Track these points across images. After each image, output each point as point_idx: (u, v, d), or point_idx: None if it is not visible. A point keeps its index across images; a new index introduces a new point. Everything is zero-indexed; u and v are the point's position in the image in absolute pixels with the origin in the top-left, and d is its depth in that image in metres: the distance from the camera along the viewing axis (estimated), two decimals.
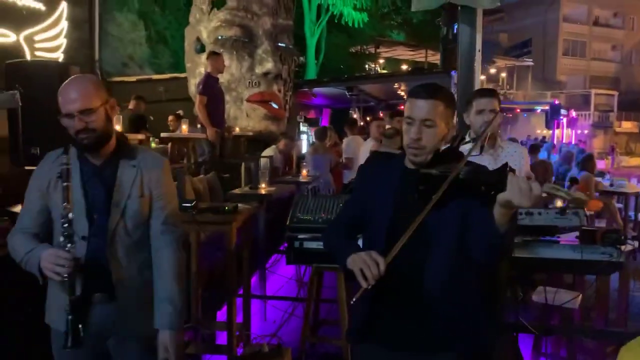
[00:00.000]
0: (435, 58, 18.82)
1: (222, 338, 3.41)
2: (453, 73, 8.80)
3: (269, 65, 8.28)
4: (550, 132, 24.30)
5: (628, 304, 3.51)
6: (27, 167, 2.46)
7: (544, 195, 1.26)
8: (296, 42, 10.78)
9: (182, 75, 9.27)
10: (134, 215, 1.78)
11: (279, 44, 8.72)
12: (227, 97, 7.05)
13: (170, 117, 8.10)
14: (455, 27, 3.80)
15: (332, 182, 6.70)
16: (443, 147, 1.68)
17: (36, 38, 7.95)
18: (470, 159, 1.53)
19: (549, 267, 2.58)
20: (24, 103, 3.22)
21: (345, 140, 7.35)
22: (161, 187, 1.85)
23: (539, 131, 28.52)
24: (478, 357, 1.65)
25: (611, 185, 8.19)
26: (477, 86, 3.72)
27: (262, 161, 5.72)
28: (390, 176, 1.69)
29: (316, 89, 12.76)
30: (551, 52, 36.31)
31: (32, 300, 1.87)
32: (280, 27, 8.76)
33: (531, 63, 34.30)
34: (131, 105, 6.98)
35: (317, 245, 2.86)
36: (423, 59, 22.03)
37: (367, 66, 22.93)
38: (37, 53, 7.89)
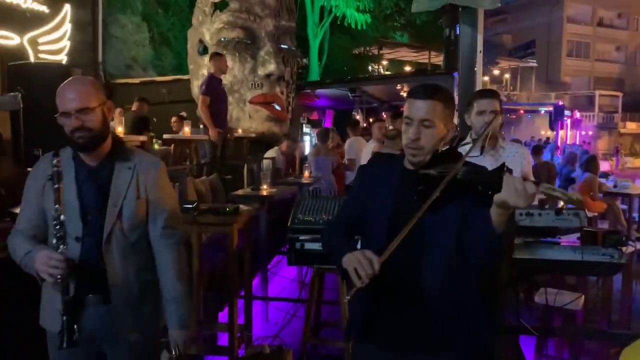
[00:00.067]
0: (438, 59, 18.81)
1: (223, 339, 3.41)
2: (455, 74, 8.79)
3: (271, 66, 8.29)
4: (554, 133, 24.21)
5: (631, 305, 3.50)
6: (29, 169, 2.47)
7: (543, 196, 1.26)
8: (299, 43, 10.79)
9: (185, 77, 9.31)
10: (130, 217, 1.78)
11: (282, 46, 8.73)
12: (229, 99, 7.06)
13: (174, 119, 8.13)
14: (458, 28, 3.80)
15: (334, 184, 6.70)
16: (443, 148, 1.67)
17: (40, 40, 8.00)
18: (471, 160, 1.53)
19: (550, 269, 2.57)
20: (26, 104, 3.25)
21: (347, 142, 7.35)
22: (158, 190, 1.86)
23: (542, 132, 28.46)
24: (478, 358, 1.64)
25: (615, 186, 8.16)
26: (478, 87, 3.72)
27: (265, 162, 5.74)
28: (390, 177, 1.69)
29: (319, 91, 12.76)
30: (555, 53, 36.23)
31: (33, 301, 1.88)
32: (283, 29, 8.76)
33: (535, 64, 34.25)
34: (134, 107, 7.00)
35: (318, 246, 2.86)
36: (426, 61, 22.03)
37: (370, 68, 22.93)
38: (41, 55, 7.93)
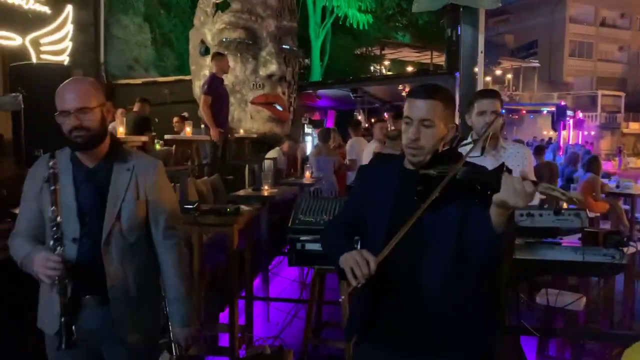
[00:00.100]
0: (441, 60, 18.79)
1: (224, 340, 3.41)
2: (457, 74, 8.77)
3: (273, 67, 8.30)
4: (557, 133, 24.19)
5: (633, 306, 3.48)
6: (30, 169, 2.48)
7: (543, 196, 1.25)
8: (301, 44, 10.79)
9: (187, 77, 9.32)
10: (129, 219, 1.78)
11: (283, 46, 8.73)
12: (231, 99, 7.07)
13: (175, 119, 8.14)
14: (459, 28, 3.81)
15: (335, 184, 6.70)
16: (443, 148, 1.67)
17: (42, 41, 8.01)
18: (472, 160, 1.52)
19: (551, 269, 2.56)
20: (28, 105, 3.25)
21: (349, 142, 7.35)
22: (158, 191, 1.86)
23: (545, 132, 28.41)
24: (479, 358, 1.64)
25: (617, 186, 8.14)
26: (479, 87, 3.71)
27: (266, 163, 5.73)
28: (390, 177, 1.69)
29: (321, 91, 12.77)
30: (557, 53, 36.16)
31: (33, 302, 1.88)
32: (285, 29, 8.77)
33: (537, 64, 34.19)
34: (136, 108, 7.02)
35: (319, 247, 2.84)
36: (428, 61, 22.02)
37: (372, 68, 22.92)
38: (43, 56, 7.95)
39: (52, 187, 1.63)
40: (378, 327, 1.65)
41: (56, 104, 1.72)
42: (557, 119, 22.35)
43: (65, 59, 8.40)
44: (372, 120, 13.28)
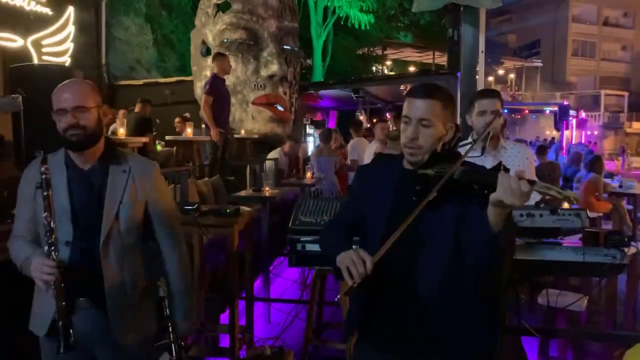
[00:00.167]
0: (443, 60, 18.77)
1: (225, 341, 3.41)
2: (459, 74, 8.76)
3: (274, 67, 8.30)
4: (559, 133, 24.11)
5: (635, 306, 3.46)
6: (23, 174, 2.49)
7: (540, 195, 1.24)
8: (303, 44, 10.79)
9: (188, 78, 9.34)
10: (127, 220, 1.78)
11: (285, 47, 8.73)
12: (232, 100, 7.07)
13: (177, 119, 8.15)
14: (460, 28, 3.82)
15: (336, 184, 6.69)
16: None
17: (43, 42, 8.03)
18: (472, 160, 1.52)
19: (552, 270, 2.55)
20: (28, 106, 3.25)
21: (350, 143, 7.34)
22: (156, 192, 1.87)
23: (548, 132, 28.34)
24: (478, 358, 1.63)
25: (620, 186, 8.12)
26: (480, 87, 3.70)
27: (267, 164, 5.73)
28: (389, 177, 1.68)
29: (322, 92, 12.75)
30: (560, 53, 36.09)
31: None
32: (286, 30, 8.77)
33: (540, 64, 34.14)
34: (137, 109, 7.02)
35: (319, 247, 2.84)
36: (431, 61, 22.01)
37: (374, 68, 22.92)
38: (44, 57, 7.97)
39: (45, 193, 1.62)
40: (376, 326, 1.65)
41: (53, 103, 1.72)
42: (560, 119, 22.28)
43: (66, 60, 8.42)
44: (374, 120, 13.25)
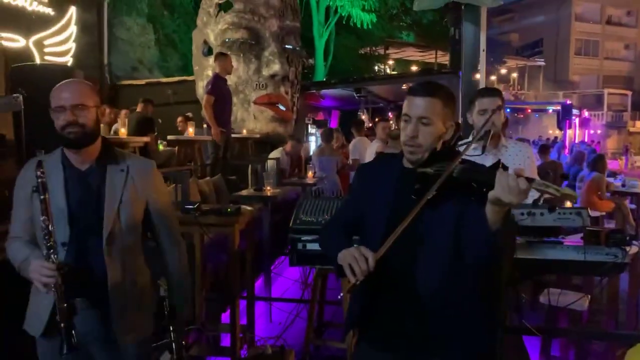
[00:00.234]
0: (445, 59, 18.74)
1: (226, 340, 3.40)
2: (461, 73, 8.74)
3: (275, 67, 8.30)
4: (562, 132, 24.05)
5: (637, 305, 3.45)
6: (18, 175, 2.50)
7: (538, 193, 1.23)
8: (304, 44, 10.79)
9: (190, 78, 9.35)
10: (127, 219, 1.78)
11: (286, 46, 8.73)
12: (234, 100, 7.07)
13: (180, 118, 8.15)
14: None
15: (338, 184, 6.69)
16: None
17: (45, 42, 8.05)
18: (473, 159, 1.51)
19: (553, 269, 2.54)
20: (29, 106, 3.25)
21: (352, 142, 7.34)
22: (155, 192, 1.88)
23: (550, 131, 28.28)
24: (478, 358, 1.62)
25: (623, 185, 8.09)
26: (482, 85, 3.69)
27: (269, 163, 5.74)
28: (389, 175, 1.68)
29: (325, 91, 12.74)
30: (563, 52, 35.99)
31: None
32: (287, 29, 8.77)
33: (543, 63, 34.07)
34: (139, 108, 7.03)
35: (319, 246, 2.84)
36: (433, 60, 21.96)
37: (376, 67, 22.89)
38: (47, 57, 8.00)
39: (42, 197, 1.61)
40: (376, 324, 1.65)
41: (51, 101, 1.71)
42: (563, 118, 22.20)
43: (68, 60, 8.45)
44: (376, 119, 13.22)
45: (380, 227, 1.59)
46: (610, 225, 6.63)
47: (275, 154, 6.61)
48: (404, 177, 1.61)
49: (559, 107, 24.01)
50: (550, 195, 1.19)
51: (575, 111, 25.66)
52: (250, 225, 3.60)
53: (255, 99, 8.46)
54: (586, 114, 29.89)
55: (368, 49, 21.86)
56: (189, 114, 8.36)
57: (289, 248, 3.01)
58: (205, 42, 8.72)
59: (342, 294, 1.48)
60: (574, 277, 3.72)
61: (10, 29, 7.48)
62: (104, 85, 9.64)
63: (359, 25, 17.55)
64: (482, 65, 3.62)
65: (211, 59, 7.81)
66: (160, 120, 7.34)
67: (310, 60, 17.43)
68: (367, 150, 6.23)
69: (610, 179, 8.14)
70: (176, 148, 6.60)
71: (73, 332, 1.63)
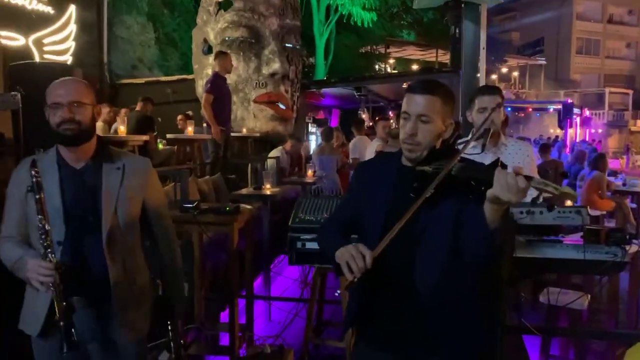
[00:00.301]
0: (446, 57, 18.70)
1: (225, 339, 3.40)
2: (462, 72, 8.72)
3: (275, 65, 8.28)
4: (563, 131, 24.03)
5: (637, 304, 3.44)
6: (12, 174, 2.49)
7: (536, 191, 1.22)
8: (305, 42, 10.79)
9: (190, 76, 9.34)
10: (124, 217, 1.77)
11: (286, 45, 8.72)
12: (234, 98, 7.07)
13: (180, 117, 8.15)
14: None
15: (338, 183, 6.68)
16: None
17: (45, 41, 8.05)
18: (472, 157, 1.50)
19: (552, 267, 2.53)
20: (28, 105, 3.24)
21: (352, 141, 7.33)
22: (152, 190, 1.88)
23: (551, 130, 28.24)
24: (477, 356, 1.62)
25: (624, 184, 8.07)
26: (482, 84, 3.67)
27: (269, 162, 5.73)
28: (387, 174, 1.67)
29: (325, 90, 12.73)
30: (564, 51, 35.94)
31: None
32: (287, 28, 8.75)
33: (544, 62, 34.00)
34: (138, 107, 7.03)
35: (317, 244, 2.83)
36: (434, 59, 21.92)
37: (377, 66, 22.87)
38: (46, 56, 8.00)
39: (37, 196, 1.59)
40: (374, 322, 1.64)
41: (47, 98, 1.70)
42: (564, 117, 22.19)
43: (68, 58, 8.44)
44: (377, 118, 13.21)
45: (378, 226, 1.59)
46: (611, 224, 6.62)
47: (275, 152, 6.60)
48: (402, 175, 1.61)
49: (560, 106, 23.99)
50: (549, 194, 1.18)
51: (576, 110, 25.65)
52: (250, 224, 3.59)
53: (255, 98, 8.45)
54: (587, 113, 29.86)
55: (368, 47, 21.86)
56: (189, 113, 8.35)
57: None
58: (205, 41, 8.71)
59: (339, 291, 1.47)
60: (574, 276, 3.71)
61: (10, 27, 7.48)
62: (104, 84, 9.64)
63: (359, 24, 17.55)
64: (482, 63, 3.60)
65: (211, 58, 7.80)
66: (160, 119, 7.34)
67: (311, 59, 17.43)
68: (367, 149, 6.22)
69: (611, 178, 8.13)
70: (176, 147, 6.59)
71: (73, 330, 1.62)
